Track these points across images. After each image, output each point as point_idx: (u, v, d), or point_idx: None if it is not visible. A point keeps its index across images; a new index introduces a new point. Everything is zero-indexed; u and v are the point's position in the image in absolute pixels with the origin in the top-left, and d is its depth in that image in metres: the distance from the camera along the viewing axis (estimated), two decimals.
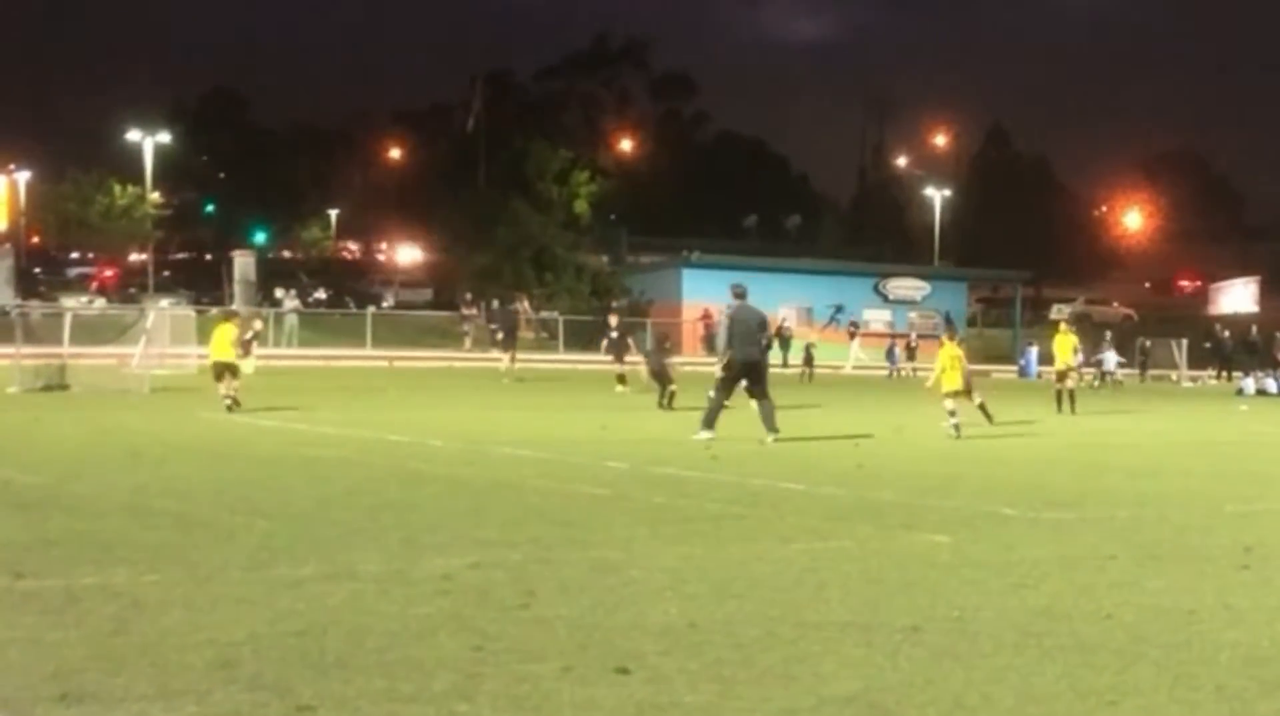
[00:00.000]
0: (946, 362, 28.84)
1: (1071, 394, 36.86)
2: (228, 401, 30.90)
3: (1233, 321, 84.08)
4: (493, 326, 58.83)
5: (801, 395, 39.94)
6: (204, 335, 50.83)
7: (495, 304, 70.43)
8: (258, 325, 54.26)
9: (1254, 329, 75.76)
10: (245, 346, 52.54)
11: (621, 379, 42.22)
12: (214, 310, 35.83)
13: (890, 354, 71.63)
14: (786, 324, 71.13)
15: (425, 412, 32.29)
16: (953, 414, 27.72)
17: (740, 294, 26.01)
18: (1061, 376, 37.74)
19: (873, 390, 53.43)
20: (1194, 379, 74.49)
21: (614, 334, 44.74)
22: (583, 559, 12.26)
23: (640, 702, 7.67)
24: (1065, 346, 37.98)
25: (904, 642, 9.21)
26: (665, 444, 24.71)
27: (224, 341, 32.06)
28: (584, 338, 70.35)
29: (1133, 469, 22.50)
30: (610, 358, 44.29)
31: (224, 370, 31.74)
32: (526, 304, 76.06)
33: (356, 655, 8.57)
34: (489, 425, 29.04)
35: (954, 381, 28.48)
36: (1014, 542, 13.74)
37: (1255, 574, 12.18)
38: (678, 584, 11.07)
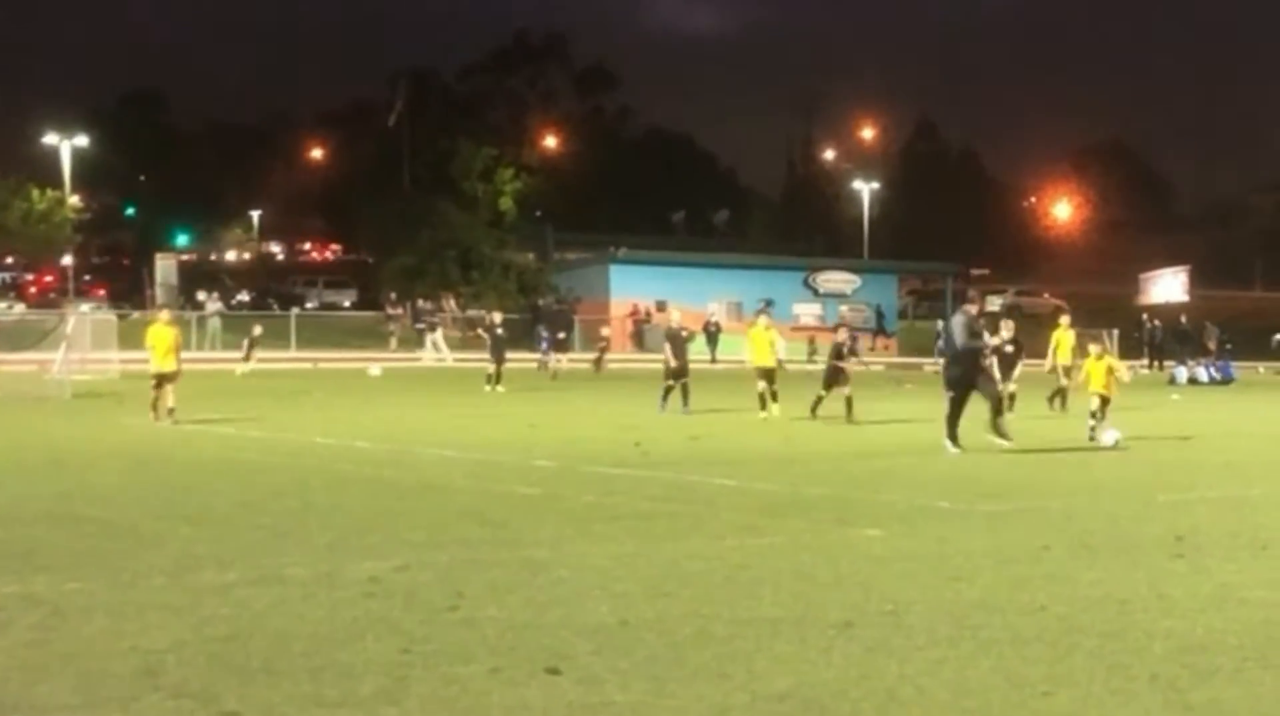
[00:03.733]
0: (756, 343, 30.96)
1: (1064, 392, 34.34)
2: (170, 413, 28.13)
3: (1163, 311, 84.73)
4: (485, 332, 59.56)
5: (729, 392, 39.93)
6: (126, 340, 50.54)
7: (421, 302, 70.38)
8: (257, 330, 54.22)
9: (1184, 318, 76.38)
10: (247, 352, 52.56)
11: (492, 379, 42.12)
12: (162, 313, 32.15)
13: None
14: (714, 320, 71.09)
15: (351, 414, 32.08)
16: (762, 398, 30.17)
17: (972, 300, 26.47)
18: (1067, 371, 34.50)
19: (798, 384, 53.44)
20: (1128, 368, 74.89)
21: (499, 331, 44.51)
22: (512, 559, 12.16)
23: (571, 703, 7.58)
24: (1065, 343, 35.52)
25: (837, 638, 9.15)
26: (595, 442, 24.63)
27: (168, 347, 29.04)
28: (513, 336, 70.23)
29: (1066, 460, 22.58)
30: (491, 357, 43.72)
31: (165, 380, 28.72)
32: (453, 302, 75.78)
33: (282, 660, 8.45)
34: (416, 426, 28.87)
35: (765, 359, 30.58)
36: (948, 535, 13.73)
37: (1188, 563, 12.20)
38: (608, 582, 10.99)
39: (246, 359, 51.71)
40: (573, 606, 10.10)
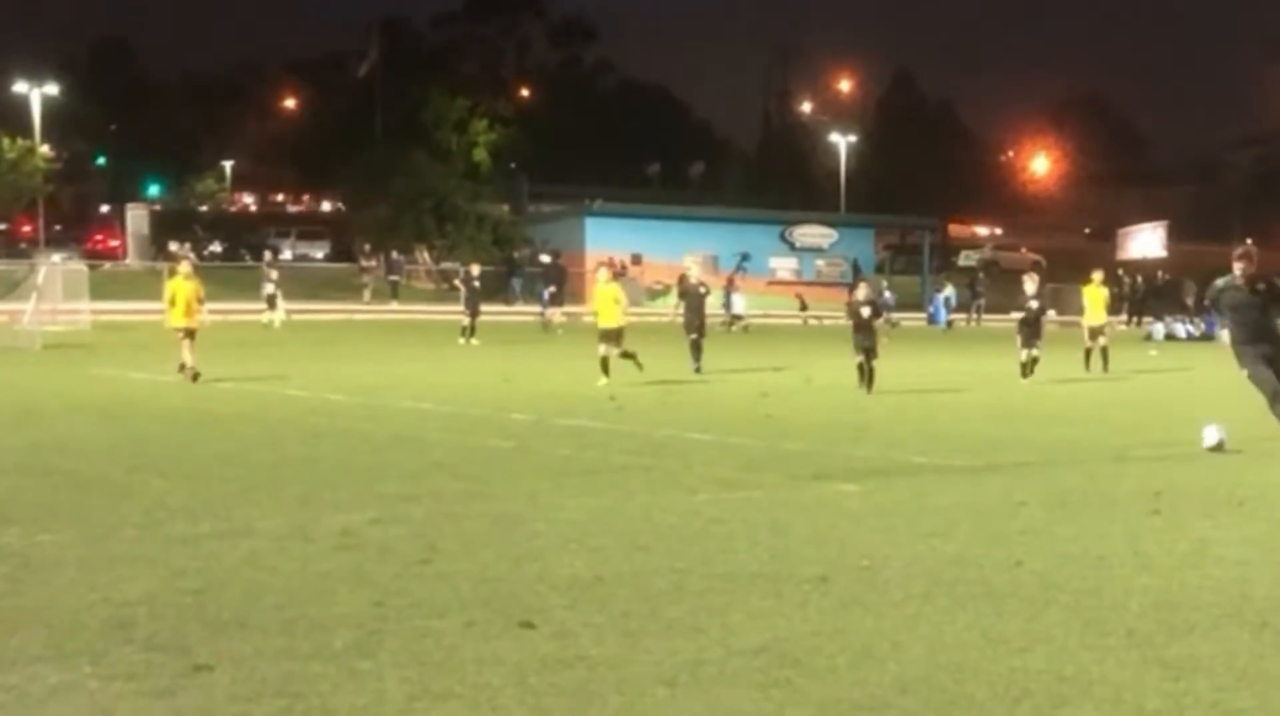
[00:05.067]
0: (600, 302, 28.49)
1: (1105, 351, 32.73)
2: (193, 371, 26.83)
3: (1141, 266, 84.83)
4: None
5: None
6: (98, 291, 50.33)
7: (395, 254, 70.09)
8: (274, 275, 53.88)
9: (1161, 273, 76.44)
10: (270, 299, 52.32)
11: (467, 332, 42.51)
12: (183, 263, 30.42)
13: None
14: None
15: (325, 366, 31.98)
16: (604, 362, 27.04)
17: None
18: (1094, 333, 33.10)
19: (766, 339, 53.45)
20: (1111, 325, 74.96)
21: (475, 284, 44.66)
22: (486, 512, 12.11)
23: (545, 657, 7.53)
24: (1097, 299, 33.54)
25: (813, 592, 9.12)
26: (570, 396, 24.57)
27: (188, 300, 27.68)
28: (487, 288, 70.01)
29: (1043, 415, 22.57)
30: (466, 310, 43.98)
31: (188, 334, 27.36)
32: (426, 255, 75.49)
33: (254, 613, 8.39)
34: (390, 378, 28.77)
35: (610, 318, 27.77)
36: (924, 491, 13.71)
37: (1164, 519, 12.19)
38: (583, 537, 10.94)
39: (273, 308, 51.70)
40: (547, 560, 10.05)
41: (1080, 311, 34.99)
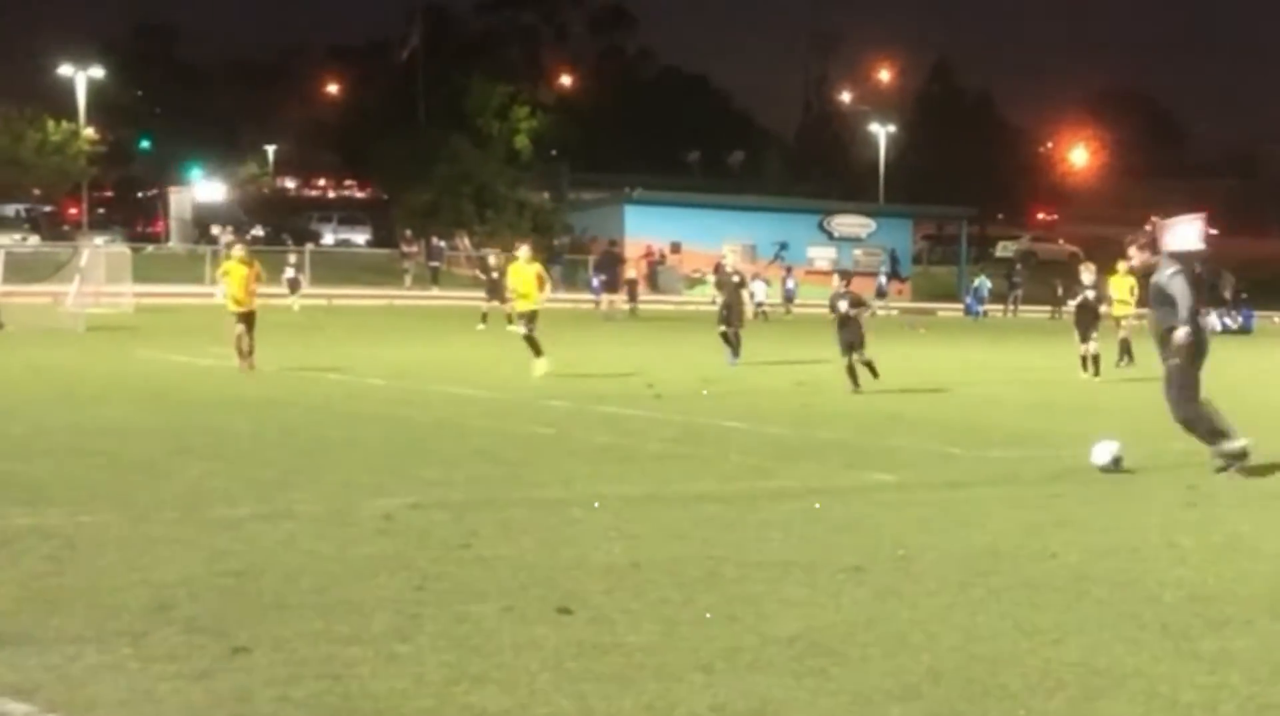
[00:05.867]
0: (524, 280, 26.93)
1: (1125, 343, 31.15)
2: (248, 360, 26.09)
3: (1180, 259, 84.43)
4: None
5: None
6: (141, 273, 50.60)
7: (435, 240, 70.27)
8: (293, 259, 54.31)
9: (1197, 266, 76.03)
10: (293, 284, 52.68)
11: (485, 319, 42.78)
12: (236, 249, 28.74)
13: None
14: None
15: (366, 351, 32.08)
16: (531, 342, 25.86)
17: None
18: (1120, 322, 31.44)
19: (803, 329, 53.37)
20: (1140, 317, 74.67)
21: (494, 274, 44.82)
22: (525, 498, 12.18)
23: (582, 642, 7.58)
24: (1123, 287, 30.68)
25: (847, 582, 9.15)
26: (607, 382, 24.61)
27: (243, 286, 26.85)
28: None
29: (1078, 406, 22.55)
30: (488, 298, 44.23)
31: (244, 319, 26.49)
32: (467, 241, 75.61)
33: (294, 596, 8.46)
34: (430, 364, 28.88)
35: (529, 299, 26.59)
36: (959, 481, 13.73)
37: (1200, 512, 12.19)
38: (621, 523, 11.00)
39: (295, 292, 52.26)
40: (585, 547, 10.11)
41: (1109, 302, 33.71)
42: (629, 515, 11.41)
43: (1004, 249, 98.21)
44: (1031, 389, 25.87)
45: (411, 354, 31.76)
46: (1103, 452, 14.81)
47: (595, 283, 58.96)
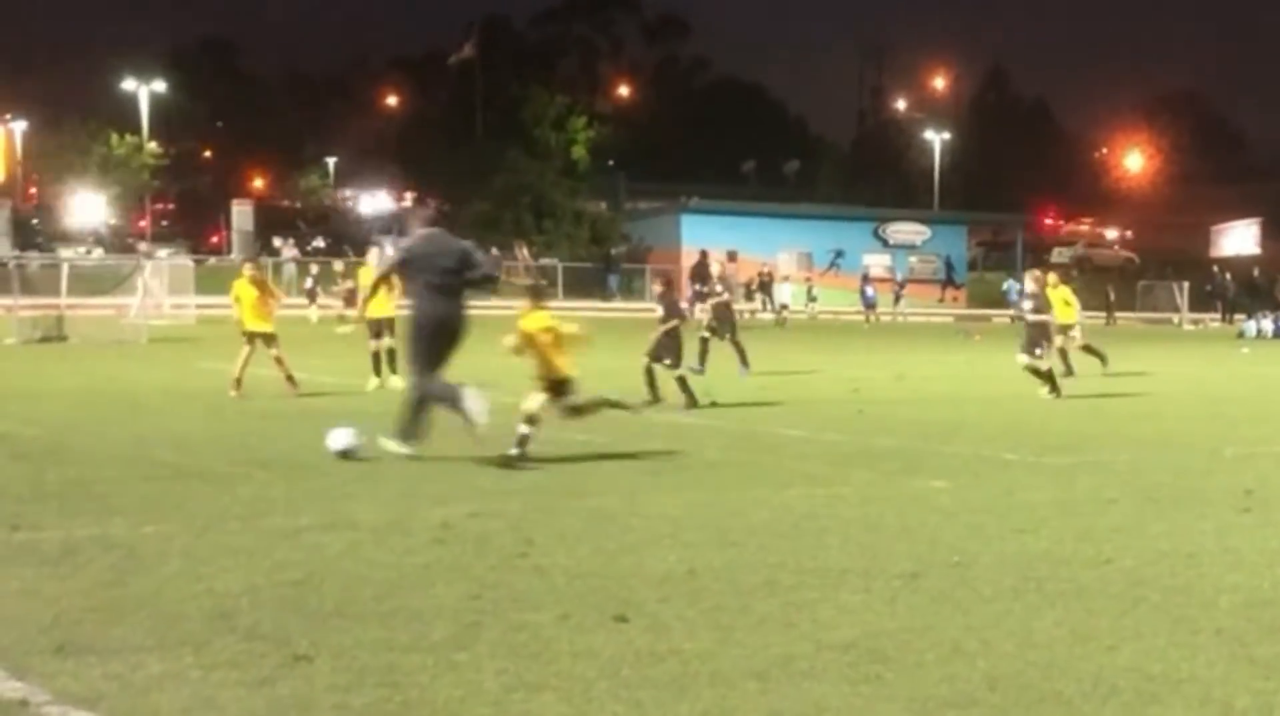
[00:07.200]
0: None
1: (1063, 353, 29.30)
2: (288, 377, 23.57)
3: (1234, 263, 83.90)
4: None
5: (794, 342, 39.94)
6: (203, 285, 50.95)
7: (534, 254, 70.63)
8: (314, 269, 54.01)
9: (1256, 271, 75.62)
10: (348, 298, 52.56)
11: None
12: (246, 267, 25.22)
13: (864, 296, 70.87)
14: (766, 269, 70.92)
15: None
16: (377, 358, 24.95)
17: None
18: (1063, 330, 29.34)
19: (845, 335, 53.32)
20: (1195, 322, 74.49)
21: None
22: (581, 507, 12.23)
23: (639, 650, 7.64)
24: (1059, 300, 28.36)
25: (903, 588, 9.19)
26: (662, 391, 24.60)
27: (254, 311, 23.92)
28: (584, 284, 70.33)
29: (1133, 412, 22.47)
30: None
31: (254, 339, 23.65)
32: (525, 251, 75.79)
33: (354, 604, 8.55)
34: (484, 372, 28.90)
35: (383, 307, 23.84)
36: (1014, 487, 13.72)
37: (1256, 517, 12.15)
38: (677, 531, 11.04)
39: (349, 307, 51.84)
40: (641, 555, 10.16)
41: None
42: (685, 522, 11.46)
43: (1059, 254, 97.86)
44: (1085, 395, 25.75)
45: (464, 362, 31.77)
46: (338, 439, 15.03)
47: (689, 293, 58.84)
